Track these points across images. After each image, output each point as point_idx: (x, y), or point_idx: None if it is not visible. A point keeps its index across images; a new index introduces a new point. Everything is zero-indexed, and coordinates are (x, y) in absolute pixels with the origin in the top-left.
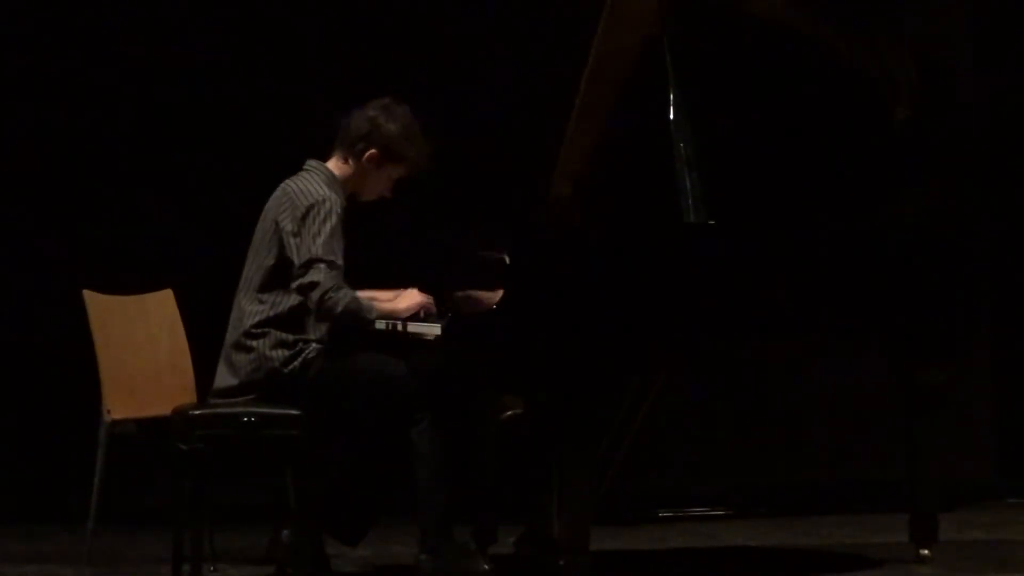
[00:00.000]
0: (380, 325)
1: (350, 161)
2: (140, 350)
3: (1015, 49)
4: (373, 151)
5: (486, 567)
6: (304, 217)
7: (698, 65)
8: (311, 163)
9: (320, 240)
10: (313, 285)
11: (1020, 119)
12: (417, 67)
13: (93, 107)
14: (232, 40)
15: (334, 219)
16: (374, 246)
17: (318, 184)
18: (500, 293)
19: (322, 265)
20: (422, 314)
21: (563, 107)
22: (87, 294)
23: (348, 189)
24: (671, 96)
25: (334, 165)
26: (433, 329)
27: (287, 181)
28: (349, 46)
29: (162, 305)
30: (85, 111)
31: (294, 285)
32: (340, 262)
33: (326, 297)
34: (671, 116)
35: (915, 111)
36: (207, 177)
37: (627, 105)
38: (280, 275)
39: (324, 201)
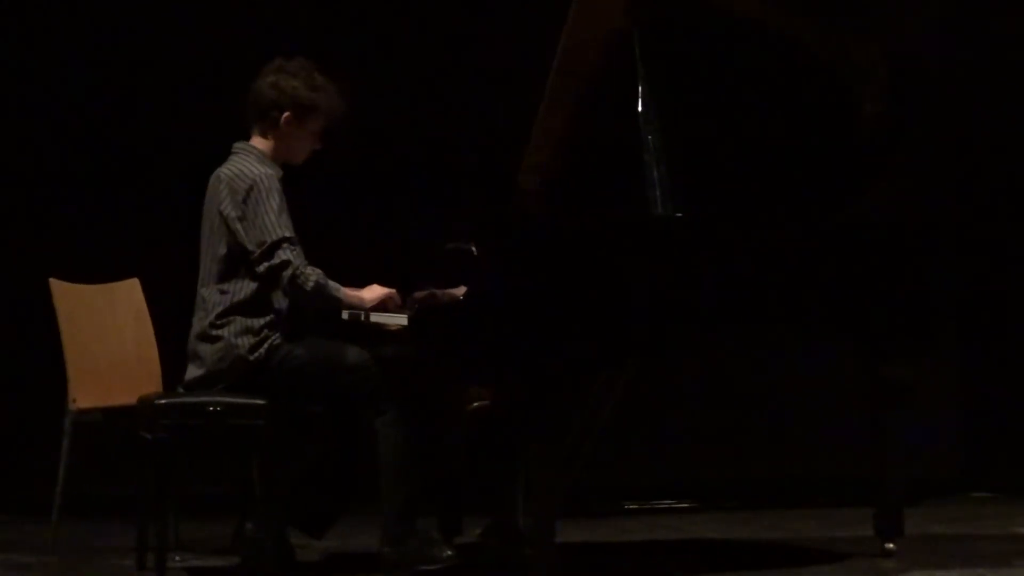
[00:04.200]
0: (344, 316)
1: (269, 133)
2: (106, 339)
3: (984, 44)
4: (287, 113)
5: (448, 553)
6: (246, 200)
7: (667, 58)
8: (237, 145)
9: (272, 218)
10: (285, 265)
11: (987, 114)
12: (384, 61)
13: (59, 97)
14: (199, 31)
15: (276, 196)
16: (343, 240)
17: (251, 164)
18: (462, 291)
19: (285, 244)
20: (392, 306)
21: (531, 100)
22: (53, 283)
23: (279, 159)
24: (639, 89)
25: (257, 142)
26: (398, 319)
27: (219, 169)
28: (320, 36)
29: (129, 294)
30: (51, 101)
31: (261, 269)
32: (295, 236)
33: (297, 274)
34: (639, 109)
35: (884, 106)
36: (174, 167)
37: (595, 98)
38: (236, 262)
39: (262, 178)
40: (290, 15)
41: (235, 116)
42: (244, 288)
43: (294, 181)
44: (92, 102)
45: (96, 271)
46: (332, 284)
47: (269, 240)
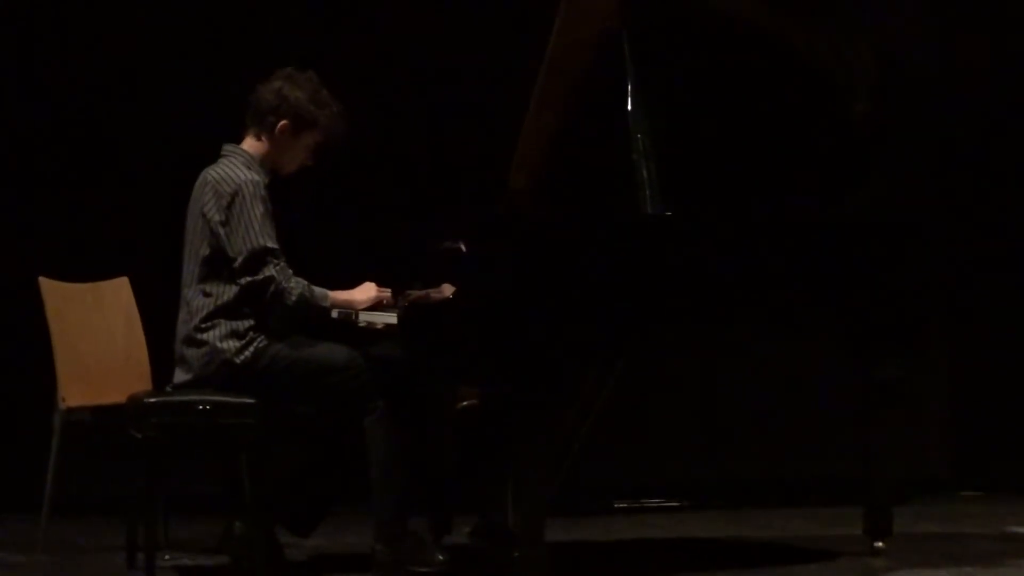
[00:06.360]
0: (334, 314)
1: (263, 137)
2: (96, 338)
3: (975, 42)
4: (284, 122)
5: (441, 558)
6: (230, 205)
7: (656, 57)
8: (227, 147)
9: (256, 228)
10: (268, 281)
11: (977, 112)
12: (375, 60)
13: (48, 95)
14: (188, 31)
15: (260, 203)
16: (332, 240)
17: (238, 168)
18: (451, 290)
19: (269, 257)
20: (384, 302)
21: (521, 99)
22: (43, 281)
23: (268, 166)
24: (628, 88)
25: (249, 145)
26: (387, 318)
27: (207, 170)
28: (306, 36)
29: (118, 293)
30: (40, 99)
31: (243, 282)
32: (278, 246)
33: (279, 290)
34: (629, 108)
35: (874, 105)
36: (163, 165)
37: (585, 97)
38: (218, 265)
39: (247, 185)
40: (283, 15)
41: (224, 116)
42: (228, 291)
43: (283, 180)
44: (81, 100)
45: (85, 269)
46: (318, 293)
47: (251, 250)
